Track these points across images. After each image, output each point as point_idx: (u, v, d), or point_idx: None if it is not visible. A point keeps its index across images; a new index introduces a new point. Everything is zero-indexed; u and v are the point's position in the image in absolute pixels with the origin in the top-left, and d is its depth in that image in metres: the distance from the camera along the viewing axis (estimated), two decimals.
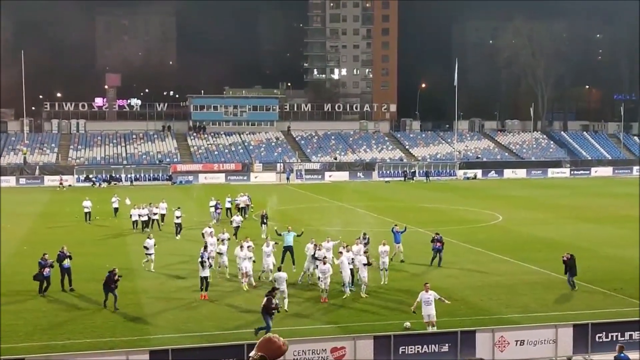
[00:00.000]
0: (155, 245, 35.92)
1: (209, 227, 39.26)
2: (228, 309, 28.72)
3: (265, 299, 24.84)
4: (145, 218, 48.40)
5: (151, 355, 21.26)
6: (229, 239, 35.92)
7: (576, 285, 31.16)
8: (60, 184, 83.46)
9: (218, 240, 35.20)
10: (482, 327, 24.08)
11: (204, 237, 37.47)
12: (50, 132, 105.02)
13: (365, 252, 32.21)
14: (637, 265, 36.77)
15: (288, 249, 34.85)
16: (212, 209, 52.06)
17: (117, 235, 47.85)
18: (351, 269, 30.55)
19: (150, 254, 35.37)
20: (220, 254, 33.79)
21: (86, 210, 53.12)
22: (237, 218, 45.60)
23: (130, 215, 48.97)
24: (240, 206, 53.90)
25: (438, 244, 35.90)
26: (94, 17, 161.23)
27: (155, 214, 49.16)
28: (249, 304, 29.26)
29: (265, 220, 45.33)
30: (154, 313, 28.23)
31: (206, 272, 29.90)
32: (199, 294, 30.70)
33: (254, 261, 32.04)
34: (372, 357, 22.30)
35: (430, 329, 24.50)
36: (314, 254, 31.50)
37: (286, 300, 27.85)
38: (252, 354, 4.03)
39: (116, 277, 28.34)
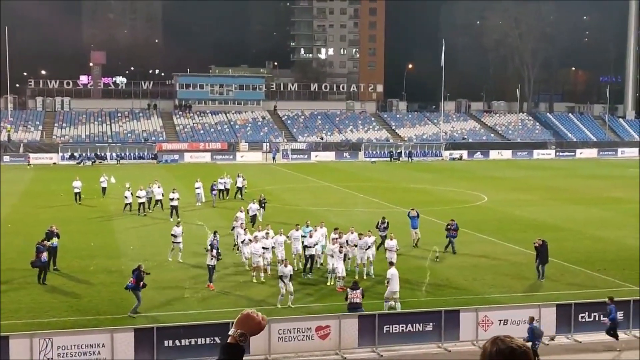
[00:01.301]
0: (183, 233, 33.26)
1: (242, 212, 37.16)
2: (214, 287, 28.70)
3: (359, 291, 24.20)
4: (144, 200, 46.21)
5: (136, 333, 21.28)
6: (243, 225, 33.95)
7: (545, 275, 29.78)
8: (28, 163, 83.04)
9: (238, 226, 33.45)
10: (466, 307, 24.24)
11: (237, 221, 35.02)
12: (35, 110, 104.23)
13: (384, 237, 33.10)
14: (620, 246, 37.15)
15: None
16: (200, 191, 50.26)
17: (103, 214, 47.56)
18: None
19: (178, 243, 32.81)
20: (244, 242, 31.57)
21: (76, 190, 51.33)
22: (253, 206, 41.92)
23: (125, 197, 46.58)
24: (238, 186, 53.08)
25: (453, 232, 34.66)
26: None
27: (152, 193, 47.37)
28: (235, 283, 29.31)
29: (263, 205, 43.90)
30: None
31: (213, 261, 28.43)
32: (184, 273, 30.69)
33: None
34: (356, 336, 22.41)
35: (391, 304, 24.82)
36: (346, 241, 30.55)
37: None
38: (231, 331, 3.99)
39: (144, 273, 25.39)
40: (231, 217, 38.68)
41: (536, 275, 30.11)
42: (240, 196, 52.43)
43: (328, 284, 28.95)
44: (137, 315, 24.85)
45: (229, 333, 3.98)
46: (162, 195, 47.24)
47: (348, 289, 24.76)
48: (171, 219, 42.89)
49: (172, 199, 44.19)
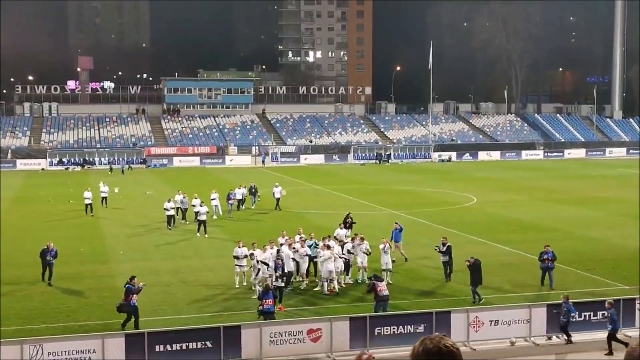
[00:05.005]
0: (246, 256, 28.56)
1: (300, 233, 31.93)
2: (205, 292, 28.62)
3: (384, 283, 25.11)
4: (172, 212, 42.30)
5: (127, 338, 21.22)
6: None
7: (482, 297, 26.97)
8: (124, 168, 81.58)
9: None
10: (456, 308, 24.30)
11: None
12: (22, 116, 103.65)
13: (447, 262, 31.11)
14: (608, 245, 37.38)
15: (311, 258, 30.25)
16: (216, 202, 45.94)
17: (95, 220, 47.27)
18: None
19: (241, 266, 28.73)
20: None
21: (87, 201, 47.57)
22: (341, 232, 33.81)
23: (166, 209, 42.46)
24: (276, 197, 49.57)
25: (550, 262, 28.93)
26: None
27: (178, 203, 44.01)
28: (228, 285, 29.23)
29: (349, 226, 36.72)
30: None
31: (279, 281, 26.54)
32: (173, 277, 30.62)
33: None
34: (348, 338, 22.41)
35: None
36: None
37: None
38: None
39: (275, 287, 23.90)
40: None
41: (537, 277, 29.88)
42: (277, 208, 49.43)
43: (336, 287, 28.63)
44: None
45: None
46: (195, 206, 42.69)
47: (375, 282, 24.74)
48: (197, 234, 40.19)
49: (199, 213, 40.38)
